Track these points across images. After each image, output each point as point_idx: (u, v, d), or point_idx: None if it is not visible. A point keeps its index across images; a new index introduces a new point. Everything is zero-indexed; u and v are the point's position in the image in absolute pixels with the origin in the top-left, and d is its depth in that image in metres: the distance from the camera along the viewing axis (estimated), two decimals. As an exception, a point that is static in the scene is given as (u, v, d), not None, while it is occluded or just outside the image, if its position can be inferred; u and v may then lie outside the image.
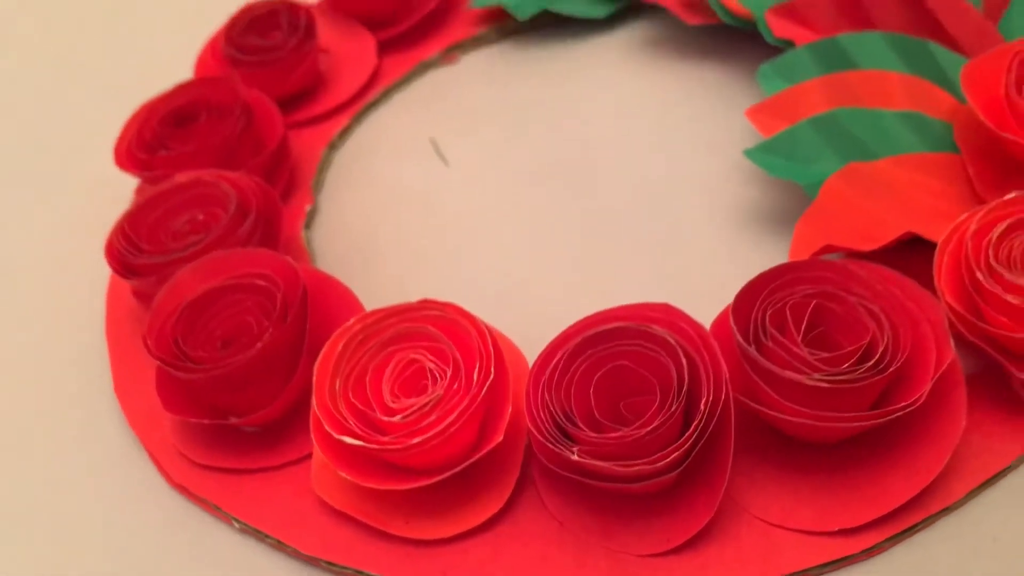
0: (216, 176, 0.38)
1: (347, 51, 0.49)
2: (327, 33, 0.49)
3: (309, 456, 0.32)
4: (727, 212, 0.38)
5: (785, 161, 0.35)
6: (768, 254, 0.36)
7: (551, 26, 0.49)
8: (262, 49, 0.45)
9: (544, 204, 0.41)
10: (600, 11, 0.47)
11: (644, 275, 0.37)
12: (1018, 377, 0.29)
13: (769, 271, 0.29)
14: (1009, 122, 0.33)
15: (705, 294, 0.31)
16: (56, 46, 0.55)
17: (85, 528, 0.33)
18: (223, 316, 0.34)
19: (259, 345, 0.31)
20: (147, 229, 0.37)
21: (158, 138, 0.41)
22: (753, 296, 0.29)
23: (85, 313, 0.40)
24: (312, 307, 0.34)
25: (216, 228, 0.36)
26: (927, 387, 0.27)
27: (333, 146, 0.46)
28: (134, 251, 0.36)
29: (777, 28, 0.40)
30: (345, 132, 0.46)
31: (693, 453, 0.28)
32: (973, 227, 0.30)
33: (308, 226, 0.42)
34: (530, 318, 0.34)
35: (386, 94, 0.48)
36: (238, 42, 0.45)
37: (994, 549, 0.28)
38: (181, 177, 0.38)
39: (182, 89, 0.43)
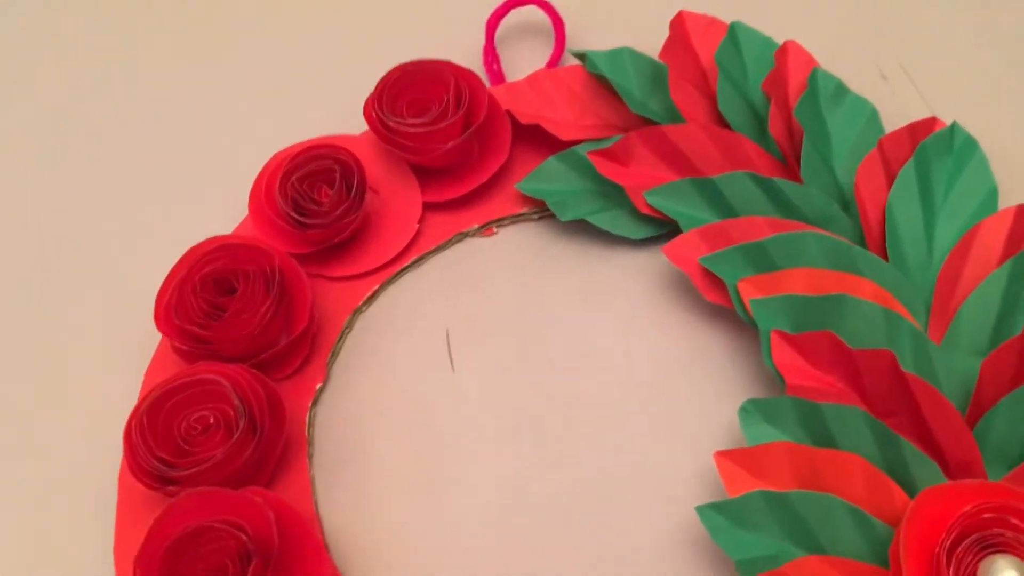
0: (224, 376, 0.42)
1: (393, 199, 0.51)
2: (374, 167, 0.51)
3: None
4: (677, 530, 0.41)
5: (731, 525, 0.38)
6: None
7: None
8: (313, 212, 0.48)
9: (521, 450, 0.44)
10: (637, 233, 0.49)
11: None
12: None
13: None
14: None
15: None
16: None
17: None
18: (205, 551, 0.39)
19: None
20: (161, 424, 0.42)
21: (196, 307, 0.44)
22: None
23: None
24: (282, 550, 0.39)
25: (226, 444, 0.41)
26: None
27: (358, 311, 0.49)
28: (145, 452, 0.41)
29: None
30: (372, 297, 0.49)
31: None
32: None
33: (315, 403, 0.46)
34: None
35: (420, 259, 0.50)
36: (292, 196, 0.48)
37: None
38: (190, 375, 0.42)
39: (222, 251, 0.46)
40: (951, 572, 0.35)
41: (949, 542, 0.35)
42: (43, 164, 0.56)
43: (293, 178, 0.48)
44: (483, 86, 0.50)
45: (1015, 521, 0.35)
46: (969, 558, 0.35)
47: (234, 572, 0.38)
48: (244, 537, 0.38)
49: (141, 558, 0.38)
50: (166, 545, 0.38)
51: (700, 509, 0.39)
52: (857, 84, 0.52)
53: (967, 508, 0.35)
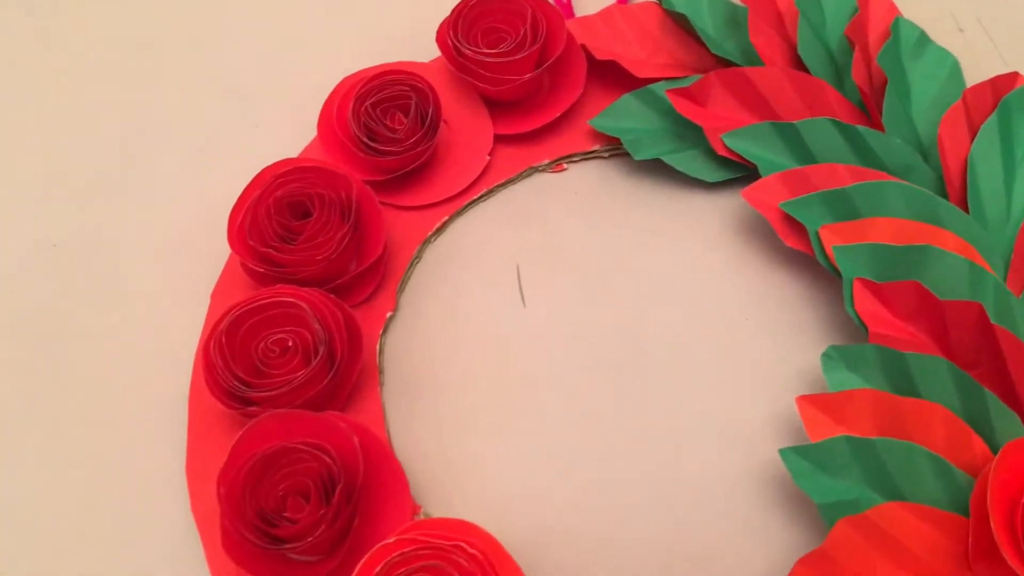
0: (303, 300, 0.42)
1: (463, 129, 0.50)
2: (444, 95, 0.50)
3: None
4: (749, 472, 0.41)
5: (814, 469, 0.39)
6: (779, 534, 0.40)
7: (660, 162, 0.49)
8: (386, 139, 0.47)
9: (593, 388, 0.44)
10: (713, 176, 0.48)
11: (654, 513, 0.41)
12: None
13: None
14: (1015, 527, 0.36)
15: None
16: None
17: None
18: (289, 471, 0.38)
19: (310, 539, 0.36)
20: (239, 344, 0.41)
21: (269, 229, 0.44)
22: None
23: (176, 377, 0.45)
24: (366, 479, 0.39)
25: (304, 367, 0.40)
26: None
27: (428, 241, 0.48)
28: (224, 371, 0.41)
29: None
30: (441, 228, 0.49)
31: None
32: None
33: (385, 331, 0.46)
34: (544, 511, 0.41)
35: (489, 191, 0.50)
36: (365, 121, 0.47)
37: None
38: (268, 297, 0.42)
39: (295, 174, 0.45)
40: (1031, 518, 0.35)
41: (1030, 507, 0.35)
42: (112, 80, 0.55)
43: (367, 103, 0.47)
44: (561, 19, 0.49)
45: (1104, 475, 0.35)
46: (1057, 510, 0.35)
47: (316, 496, 0.37)
48: (328, 460, 0.38)
49: (225, 475, 0.38)
50: (250, 464, 0.38)
51: (784, 452, 0.39)
52: (933, 34, 0.51)
53: (1057, 461, 0.36)
